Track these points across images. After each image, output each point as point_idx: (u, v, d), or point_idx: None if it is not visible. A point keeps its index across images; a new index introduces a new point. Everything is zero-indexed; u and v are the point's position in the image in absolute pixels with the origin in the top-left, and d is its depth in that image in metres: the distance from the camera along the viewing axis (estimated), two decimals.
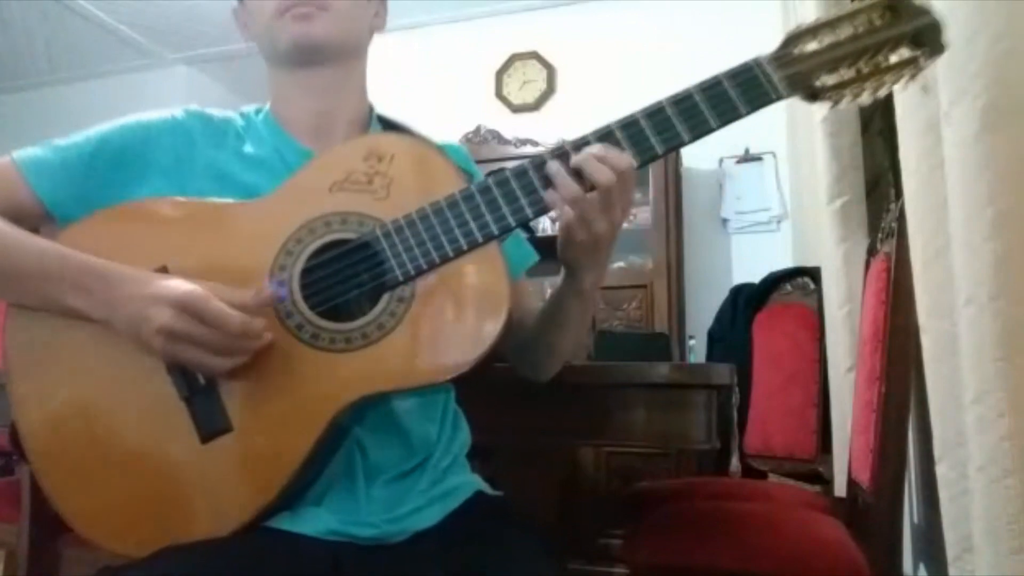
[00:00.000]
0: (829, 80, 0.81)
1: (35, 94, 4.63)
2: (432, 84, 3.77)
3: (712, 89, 0.80)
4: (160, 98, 3.98)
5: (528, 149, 3.31)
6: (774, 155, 3.27)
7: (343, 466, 0.85)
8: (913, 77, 0.81)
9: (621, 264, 3.19)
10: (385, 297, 0.80)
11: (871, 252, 1.55)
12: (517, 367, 1.01)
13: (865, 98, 0.82)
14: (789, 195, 3.24)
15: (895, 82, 0.81)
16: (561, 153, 0.81)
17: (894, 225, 1.29)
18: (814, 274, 2.30)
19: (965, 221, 0.98)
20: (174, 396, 0.79)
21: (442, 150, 0.88)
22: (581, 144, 0.81)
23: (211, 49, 4.24)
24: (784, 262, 2.81)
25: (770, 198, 3.30)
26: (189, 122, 0.95)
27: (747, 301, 2.65)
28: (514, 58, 3.77)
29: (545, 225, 3.06)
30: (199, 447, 0.79)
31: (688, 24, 3.47)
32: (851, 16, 0.81)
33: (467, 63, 3.81)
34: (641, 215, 3.22)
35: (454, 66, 3.79)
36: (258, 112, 1.00)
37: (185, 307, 0.74)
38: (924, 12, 0.79)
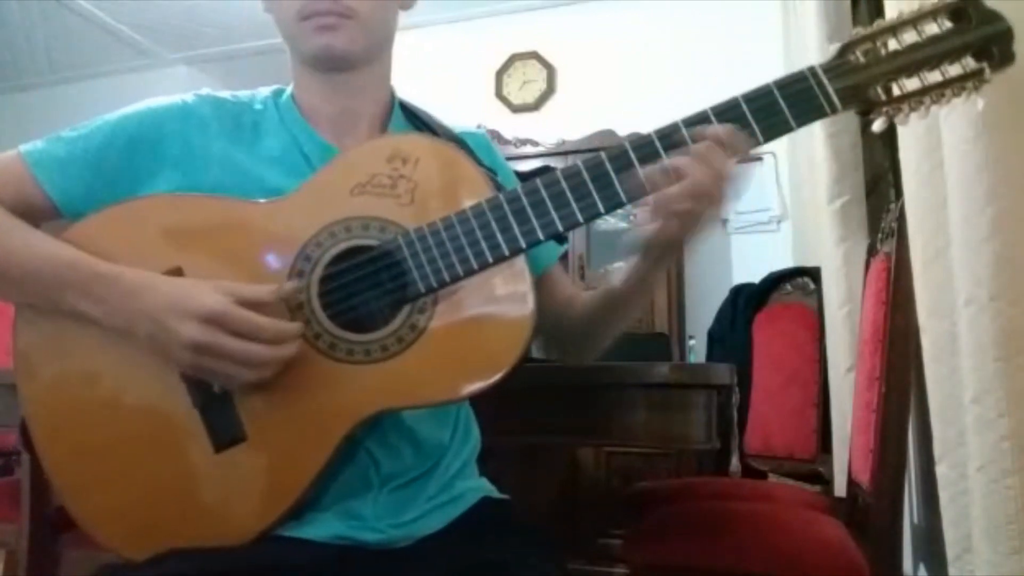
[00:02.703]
0: (887, 93, 0.74)
1: (35, 94, 4.63)
2: (432, 84, 3.76)
3: (761, 99, 0.74)
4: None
5: (528, 149, 3.31)
6: (774, 155, 3.27)
7: (355, 476, 0.84)
8: (976, 89, 0.73)
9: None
10: (406, 308, 0.78)
11: (871, 252, 1.55)
12: (555, 350, 1.00)
13: (923, 113, 0.74)
14: (789, 195, 3.24)
15: (957, 95, 0.73)
16: (597, 163, 0.77)
17: (894, 225, 1.29)
18: (814, 274, 2.30)
19: (965, 221, 0.98)
20: (188, 403, 0.78)
21: (469, 152, 0.85)
22: (619, 153, 0.76)
23: (211, 49, 4.24)
24: (784, 262, 2.81)
25: (770, 198, 3.30)
26: (201, 108, 0.90)
27: (747, 301, 2.65)
28: (514, 58, 3.77)
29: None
30: (213, 456, 0.78)
31: (688, 24, 3.47)
32: (915, 21, 0.73)
33: (467, 63, 3.80)
34: (641, 215, 3.20)
35: (454, 66, 3.79)
36: (278, 95, 0.95)
37: (213, 320, 0.72)
38: (996, 18, 0.71)
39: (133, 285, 0.77)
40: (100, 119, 0.89)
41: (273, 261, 0.80)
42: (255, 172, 0.87)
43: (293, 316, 0.78)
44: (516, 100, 3.75)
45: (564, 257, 1.74)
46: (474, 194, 0.79)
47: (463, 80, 3.77)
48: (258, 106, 0.94)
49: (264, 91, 0.96)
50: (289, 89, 0.96)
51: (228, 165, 0.87)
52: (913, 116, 0.75)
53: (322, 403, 0.77)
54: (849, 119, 2.00)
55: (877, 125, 0.76)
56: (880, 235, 1.45)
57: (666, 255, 0.87)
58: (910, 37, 0.73)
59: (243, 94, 0.95)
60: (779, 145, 3.19)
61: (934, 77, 0.73)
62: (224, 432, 0.78)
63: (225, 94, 0.94)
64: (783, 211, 3.28)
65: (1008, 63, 0.72)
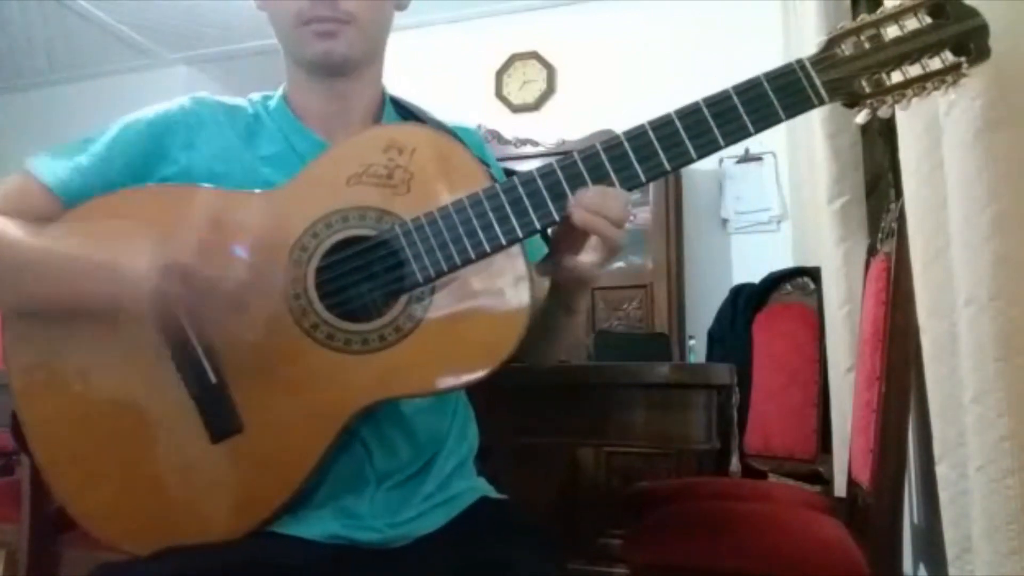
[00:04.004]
0: (871, 86, 0.76)
1: (35, 94, 4.62)
2: (432, 84, 3.76)
3: (751, 91, 0.76)
4: (160, 98, 3.96)
5: (528, 149, 3.31)
6: (774, 155, 3.27)
7: (351, 471, 0.84)
8: (955, 83, 0.76)
9: (621, 264, 3.18)
10: (403, 298, 0.78)
11: (871, 252, 1.55)
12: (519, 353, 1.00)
13: (905, 105, 0.77)
14: (789, 195, 3.24)
15: (936, 88, 0.76)
16: (592, 154, 0.78)
17: (894, 225, 1.29)
18: (814, 274, 2.30)
19: (965, 221, 0.98)
20: (184, 394, 0.78)
21: (463, 143, 0.86)
22: (613, 144, 0.78)
23: (211, 49, 4.23)
24: (784, 262, 2.81)
25: (770, 198, 3.30)
26: (199, 110, 0.92)
27: (747, 301, 2.65)
28: (514, 58, 3.77)
29: None
30: (210, 447, 0.78)
31: (688, 24, 3.47)
32: (896, 16, 0.75)
33: (467, 63, 3.80)
34: (641, 215, 3.21)
35: (454, 66, 3.79)
36: (267, 100, 0.96)
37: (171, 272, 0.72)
38: (972, 14, 0.74)
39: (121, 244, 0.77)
40: (101, 131, 0.89)
41: (269, 251, 0.79)
42: (253, 169, 0.88)
43: (290, 306, 0.78)
44: (516, 100, 3.74)
45: None
46: (470, 184, 0.79)
47: (463, 80, 3.77)
48: (250, 109, 0.95)
49: (254, 97, 0.97)
50: (280, 91, 0.96)
51: (227, 161, 0.88)
52: (899, 107, 0.77)
53: (319, 393, 0.78)
54: (849, 119, 1.99)
55: (860, 117, 0.79)
56: (880, 235, 1.45)
57: (584, 285, 0.87)
58: (892, 31, 0.76)
59: (233, 100, 0.96)
60: (779, 145, 3.19)
61: (915, 71, 0.76)
62: (220, 423, 0.78)
63: (220, 98, 0.95)
64: (783, 211, 3.28)
65: (984, 58, 0.74)
